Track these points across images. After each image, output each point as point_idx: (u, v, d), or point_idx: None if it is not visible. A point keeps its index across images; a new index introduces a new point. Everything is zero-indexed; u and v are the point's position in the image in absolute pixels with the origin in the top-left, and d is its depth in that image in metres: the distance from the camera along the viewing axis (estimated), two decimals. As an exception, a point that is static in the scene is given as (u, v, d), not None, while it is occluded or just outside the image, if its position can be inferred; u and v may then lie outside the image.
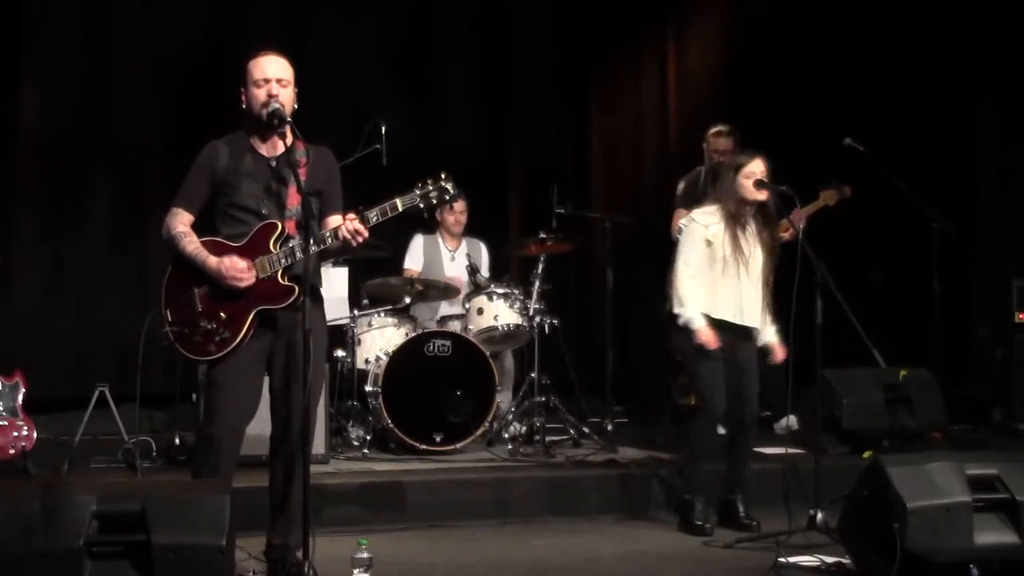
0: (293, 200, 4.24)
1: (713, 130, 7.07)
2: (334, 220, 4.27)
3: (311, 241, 4.05)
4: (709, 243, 5.34)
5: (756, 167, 5.33)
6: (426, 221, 7.06)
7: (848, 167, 7.07)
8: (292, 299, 4.18)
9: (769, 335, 5.42)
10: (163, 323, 4.26)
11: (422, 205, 4.19)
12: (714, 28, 9.17)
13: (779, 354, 5.40)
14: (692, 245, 5.37)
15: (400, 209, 4.18)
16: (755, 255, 5.35)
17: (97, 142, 7.68)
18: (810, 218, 6.87)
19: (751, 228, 5.36)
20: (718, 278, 5.31)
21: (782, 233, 6.72)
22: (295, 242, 4.18)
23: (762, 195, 5.30)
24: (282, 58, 4.29)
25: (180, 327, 4.22)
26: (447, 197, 4.20)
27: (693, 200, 6.34)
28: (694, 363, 5.36)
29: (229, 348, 4.17)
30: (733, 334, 5.35)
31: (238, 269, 4.16)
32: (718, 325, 5.31)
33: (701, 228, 5.37)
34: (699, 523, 5.31)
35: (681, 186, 7.17)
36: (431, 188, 4.19)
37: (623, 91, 9.22)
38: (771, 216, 5.39)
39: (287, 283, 4.20)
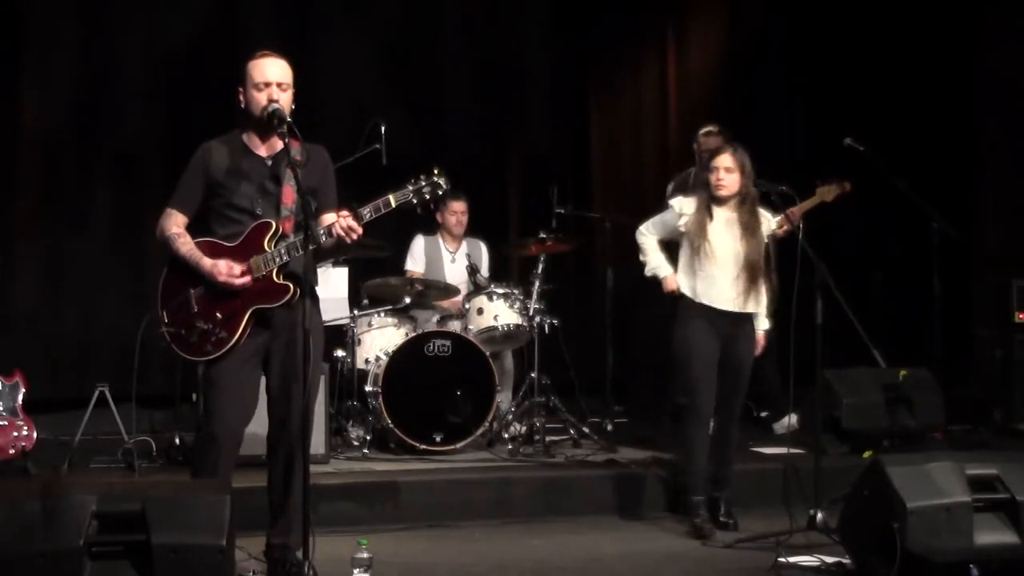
0: (288, 199, 4.24)
1: (703, 130, 7.06)
2: (328, 218, 4.27)
3: (310, 235, 4.05)
4: (683, 232, 5.40)
5: (718, 161, 5.36)
6: (427, 221, 7.08)
7: (848, 167, 7.06)
8: (287, 297, 4.19)
9: (758, 325, 5.43)
10: (159, 324, 4.27)
11: (415, 200, 4.19)
12: (714, 28, 9.17)
13: (757, 347, 5.43)
14: (661, 222, 5.52)
15: (393, 205, 4.18)
16: (733, 243, 5.33)
17: (97, 142, 7.68)
18: (806, 215, 6.83)
19: (730, 216, 5.36)
20: (698, 265, 5.34)
21: (777, 230, 6.69)
22: (290, 241, 4.19)
23: (725, 190, 5.32)
24: (282, 60, 4.29)
25: (176, 328, 4.22)
26: (440, 192, 4.21)
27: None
28: (684, 358, 5.35)
29: (226, 348, 4.18)
30: (723, 322, 5.33)
31: (232, 273, 4.17)
32: (706, 313, 5.32)
33: (675, 214, 5.44)
34: (698, 523, 5.30)
35: (671, 187, 7.15)
36: (424, 183, 4.19)
37: (623, 91, 9.21)
38: (754, 204, 5.40)
39: (282, 281, 4.21)
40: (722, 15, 9.15)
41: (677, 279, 5.43)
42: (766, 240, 5.40)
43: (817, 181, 6.92)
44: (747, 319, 5.39)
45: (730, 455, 5.48)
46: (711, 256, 5.31)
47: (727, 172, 5.34)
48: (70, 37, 7.65)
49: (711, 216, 5.35)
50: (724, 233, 5.35)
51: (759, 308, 5.39)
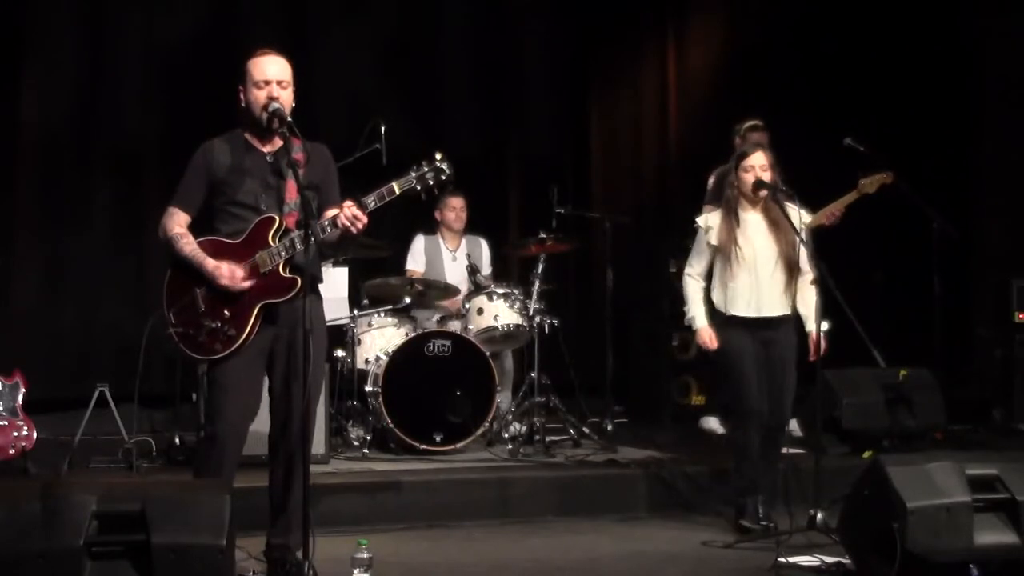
0: (291, 195, 4.23)
1: (748, 124, 6.88)
2: (333, 212, 4.26)
3: (310, 234, 4.03)
4: (714, 245, 5.32)
5: (755, 159, 5.29)
6: (427, 221, 7.08)
7: (848, 167, 7.06)
8: (295, 290, 4.17)
9: (808, 325, 5.28)
10: (166, 325, 4.25)
11: (419, 187, 4.17)
12: (714, 28, 9.17)
13: (811, 352, 5.25)
14: (697, 251, 5.41)
15: (397, 192, 4.16)
16: (766, 244, 5.27)
17: (97, 142, 7.68)
18: (849, 208, 6.77)
19: (759, 216, 5.32)
20: (731, 274, 5.26)
21: (823, 220, 6.58)
22: (294, 234, 4.18)
23: (760, 191, 5.27)
24: (282, 58, 4.28)
25: (184, 328, 4.20)
26: (443, 177, 4.18)
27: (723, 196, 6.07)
28: (724, 363, 5.30)
29: (236, 345, 4.16)
30: (758, 329, 5.25)
31: (233, 276, 4.16)
32: (740, 322, 5.25)
33: (702, 233, 5.38)
34: (747, 525, 5.22)
35: (712, 180, 7.02)
36: (427, 169, 4.17)
37: (623, 91, 9.22)
38: (783, 203, 5.26)
39: (289, 275, 4.19)
40: (722, 15, 9.16)
41: (708, 325, 5.29)
42: (801, 234, 5.24)
43: (859, 174, 6.85)
44: (784, 320, 5.27)
45: (773, 461, 5.34)
46: (744, 261, 5.22)
47: (762, 170, 5.27)
48: (70, 37, 7.64)
49: (738, 221, 5.28)
50: (756, 234, 5.28)
51: (805, 309, 5.26)
